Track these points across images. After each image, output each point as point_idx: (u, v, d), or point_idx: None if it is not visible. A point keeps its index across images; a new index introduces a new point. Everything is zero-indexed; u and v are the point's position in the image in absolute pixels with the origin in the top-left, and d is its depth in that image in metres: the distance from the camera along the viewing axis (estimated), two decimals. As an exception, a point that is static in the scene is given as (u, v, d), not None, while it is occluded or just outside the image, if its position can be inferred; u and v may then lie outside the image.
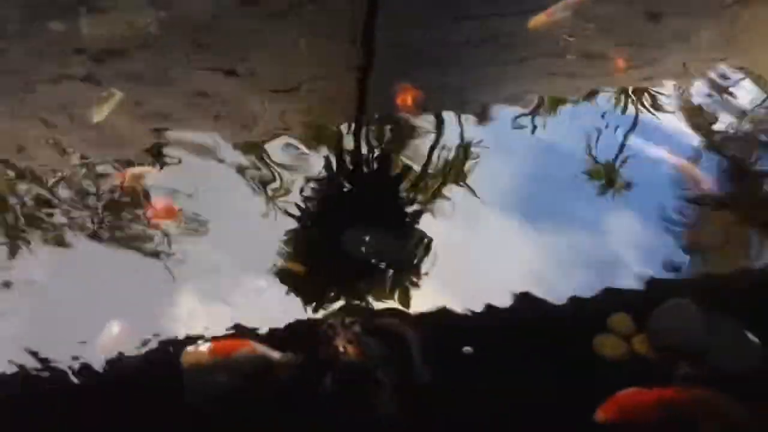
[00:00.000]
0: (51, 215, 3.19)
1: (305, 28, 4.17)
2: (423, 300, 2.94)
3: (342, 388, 2.61)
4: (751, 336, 2.70)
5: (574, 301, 2.92)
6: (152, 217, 3.11)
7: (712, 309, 2.76)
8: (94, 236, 3.10)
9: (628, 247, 3.13)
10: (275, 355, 2.61)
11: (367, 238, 3.07)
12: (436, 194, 3.36)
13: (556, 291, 2.95)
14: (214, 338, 2.68)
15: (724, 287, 2.98)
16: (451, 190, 3.38)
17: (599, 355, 2.72)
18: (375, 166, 3.54)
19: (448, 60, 4.07)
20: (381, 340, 2.75)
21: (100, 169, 3.36)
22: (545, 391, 2.61)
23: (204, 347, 2.59)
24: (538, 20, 3.98)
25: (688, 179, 3.38)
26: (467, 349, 2.72)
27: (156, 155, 3.44)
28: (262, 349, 2.60)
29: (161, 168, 3.35)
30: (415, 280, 3.01)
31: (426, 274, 3.04)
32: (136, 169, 3.28)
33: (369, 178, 3.52)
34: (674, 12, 4.33)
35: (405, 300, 2.93)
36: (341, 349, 2.68)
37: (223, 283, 2.95)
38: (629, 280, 3.01)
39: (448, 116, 3.74)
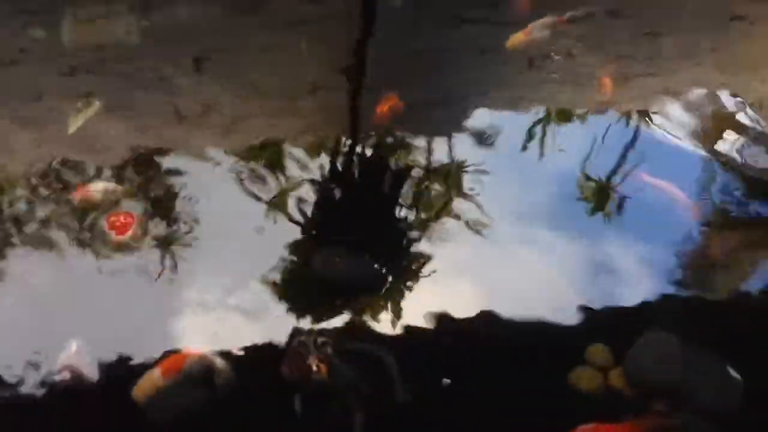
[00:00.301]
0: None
1: (302, 36, 4.10)
2: (406, 320, 2.88)
3: (310, 407, 2.55)
4: (733, 373, 2.58)
5: (554, 328, 2.83)
6: (110, 229, 3.04)
7: (693, 342, 2.65)
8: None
9: (626, 268, 3.05)
10: (218, 361, 2.58)
11: (338, 259, 2.97)
12: (438, 212, 3.30)
13: (539, 313, 2.88)
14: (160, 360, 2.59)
15: (711, 318, 2.87)
16: (456, 207, 3.31)
17: (575, 388, 2.61)
18: (372, 177, 3.48)
19: (448, 70, 4.01)
20: (353, 363, 2.67)
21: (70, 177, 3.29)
22: (517, 423, 2.53)
23: (155, 373, 2.50)
24: (515, 38, 3.90)
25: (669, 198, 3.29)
26: (446, 380, 2.63)
27: (142, 163, 3.36)
28: (208, 355, 2.57)
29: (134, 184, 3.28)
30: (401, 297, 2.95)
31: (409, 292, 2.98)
32: (99, 185, 3.19)
33: (365, 190, 3.47)
34: (670, 30, 4.27)
35: (397, 314, 2.89)
36: (314, 368, 2.61)
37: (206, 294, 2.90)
38: (622, 303, 2.92)
39: (447, 128, 3.67)
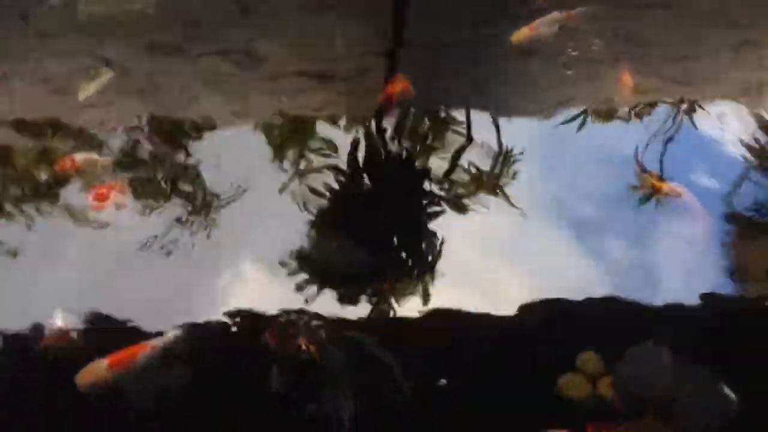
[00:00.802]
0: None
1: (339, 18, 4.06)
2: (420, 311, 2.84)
3: (294, 384, 2.52)
4: (727, 390, 2.49)
5: (550, 330, 2.76)
6: (93, 200, 3.03)
7: (687, 357, 2.56)
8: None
9: (660, 268, 2.97)
10: (168, 338, 2.52)
11: (334, 245, 2.94)
12: (463, 199, 3.25)
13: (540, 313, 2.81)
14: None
15: (713, 332, 2.77)
16: (480, 197, 3.26)
17: (564, 394, 2.54)
18: (400, 162, 3.45)
19: (486, 60, 3.92)
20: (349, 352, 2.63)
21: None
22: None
23: (103, 362, 2.43)
24: (520, 34, 3.79)
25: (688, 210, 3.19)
26: (442, 381, 2.57)
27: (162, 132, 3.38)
28: (158, 342, 2.50)
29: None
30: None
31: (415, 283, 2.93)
32: (83, 155, 3.17)
33: (392, 174, 3.42)
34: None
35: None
36: (303, 346, 2.59)
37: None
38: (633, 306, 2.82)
39: (484, 119, 3.61)
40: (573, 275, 2.96)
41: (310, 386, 2.53)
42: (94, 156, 3.19)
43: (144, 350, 2.45)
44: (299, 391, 2.51)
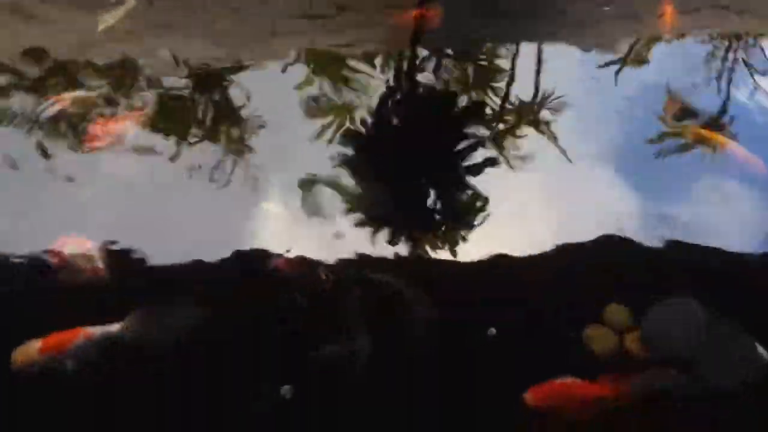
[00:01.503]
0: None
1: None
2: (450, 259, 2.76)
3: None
4: (761, 350, 2.38)
5: (580, 278, 2.66)
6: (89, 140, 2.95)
7: (722, 313, 2.44)
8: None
9: (705, 220, 2.86)
10: (114, 328, 2.41)
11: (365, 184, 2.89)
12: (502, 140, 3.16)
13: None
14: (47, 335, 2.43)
15: (751, 289, 2.65)
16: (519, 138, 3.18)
17: (588, 346, 2.44)
18: (437, 99, 3.35)
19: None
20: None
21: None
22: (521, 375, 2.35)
23: (35, 345, 2.36)
24: None
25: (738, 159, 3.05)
26: (492, 330, 2.47)
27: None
28: (97, 330, 2.39)
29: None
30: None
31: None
32: (70, 94, 3.11)
33: (428, 112, 3.33)
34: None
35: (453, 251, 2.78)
36: (323, 276, 2.57)
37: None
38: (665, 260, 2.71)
39: (526, 56, 3.50)
40: (611, 222, 2.85)
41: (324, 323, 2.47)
42: (84, 93, 3.13)
43: (77, 337, 2.36)
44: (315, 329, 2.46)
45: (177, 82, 3.31)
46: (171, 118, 3.14)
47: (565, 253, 2.75)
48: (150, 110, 3.10)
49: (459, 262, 2.74)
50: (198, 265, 2.65)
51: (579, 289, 2.62)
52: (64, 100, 3.05)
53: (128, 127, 2.97)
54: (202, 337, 2.41)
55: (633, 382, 2.29)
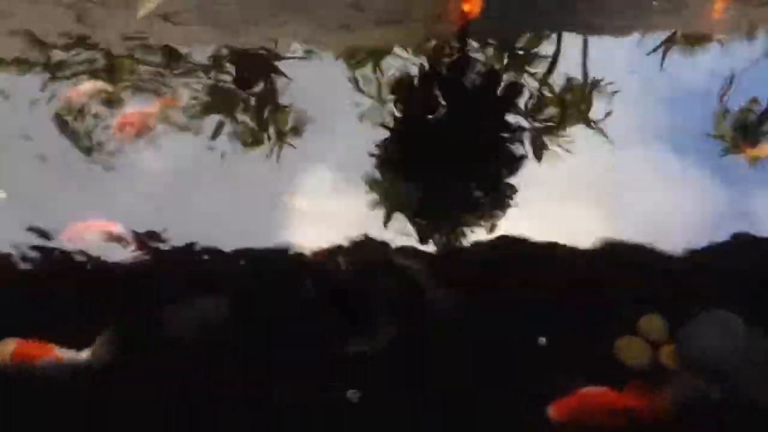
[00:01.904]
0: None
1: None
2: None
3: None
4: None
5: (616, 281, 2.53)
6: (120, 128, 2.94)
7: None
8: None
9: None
10: (82, 356, 2.33)
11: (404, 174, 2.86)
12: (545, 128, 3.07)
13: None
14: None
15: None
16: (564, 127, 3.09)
17: (620, 358, 2.33)
18: (481, 85, 3.28)
19: None
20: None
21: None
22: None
23: (10, 347, 2.33)
24: None
25: None
26: (542, 340, 2.37)
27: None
28: (67, 355, 2.33)
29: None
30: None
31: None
32: (87, 86, 3.07)
33: (471, 101, 3.25)
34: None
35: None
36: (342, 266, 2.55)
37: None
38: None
39: (573, 42, 3.41)
40: (655, 222, 2.73)
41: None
42: (100, 84, 3.09)
43: (47, 357, 2.32)
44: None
45: (216, 69, 3.27)
46: (209, 107, 3.12)
47: (603, 253, 2.64)
48: (185, 98, 3.08)
49: (486, 258, 2.66)
50: (223, 255, 2.62)
51: (613, 294, 2.50)
52: (79, 91, 3.04)
53: (159, 115, 2.97)
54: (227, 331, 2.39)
55: (664, 392, 2.19)
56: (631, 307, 2.42)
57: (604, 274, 2.58)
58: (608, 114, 3.10)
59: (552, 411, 2.14)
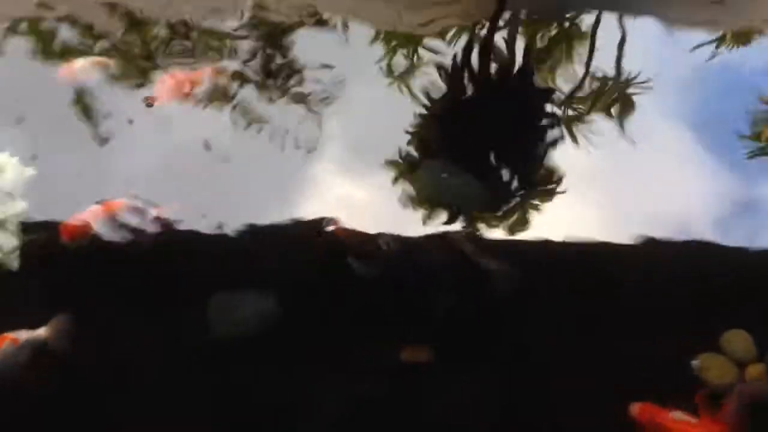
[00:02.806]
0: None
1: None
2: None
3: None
4: None
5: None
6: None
7: None
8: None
9: None
10: (40, 333, 2.26)
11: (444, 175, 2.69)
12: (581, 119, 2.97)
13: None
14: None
15: None
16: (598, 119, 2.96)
17: (701, 377, 2.12)
18: (514, 75, 3.17)
19: None
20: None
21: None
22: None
23: None
24: None
25: None
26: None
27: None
28: (23, 335, 2.25)
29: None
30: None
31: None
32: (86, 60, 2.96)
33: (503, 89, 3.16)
34: None
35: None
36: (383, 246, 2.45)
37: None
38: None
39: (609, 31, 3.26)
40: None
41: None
42: (98, 59, 2.98)
43: (4, 343, 2.23)
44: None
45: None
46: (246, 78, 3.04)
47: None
48: (229, 69, 3.01)
49: (536, 249, 2.53)
50: (259, 233, 2.56)
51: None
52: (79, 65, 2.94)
53: (202, 82, 2.90)
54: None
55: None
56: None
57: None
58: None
59: (635, 409, 2.04)
